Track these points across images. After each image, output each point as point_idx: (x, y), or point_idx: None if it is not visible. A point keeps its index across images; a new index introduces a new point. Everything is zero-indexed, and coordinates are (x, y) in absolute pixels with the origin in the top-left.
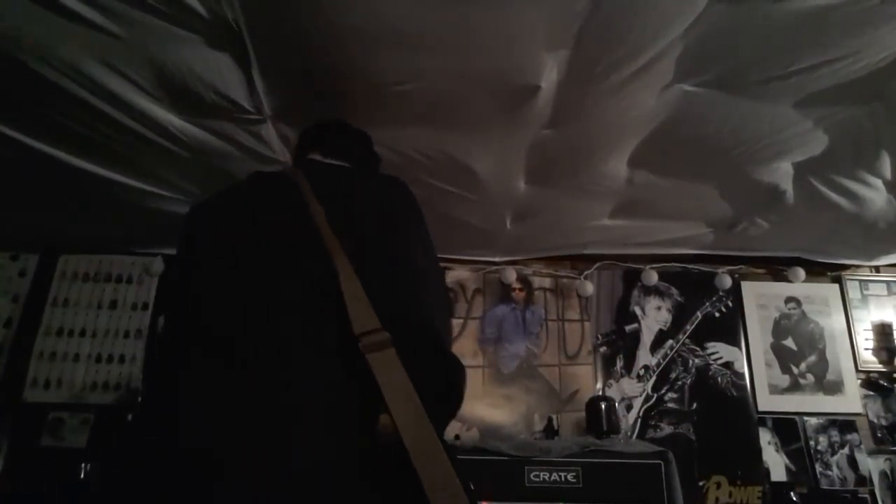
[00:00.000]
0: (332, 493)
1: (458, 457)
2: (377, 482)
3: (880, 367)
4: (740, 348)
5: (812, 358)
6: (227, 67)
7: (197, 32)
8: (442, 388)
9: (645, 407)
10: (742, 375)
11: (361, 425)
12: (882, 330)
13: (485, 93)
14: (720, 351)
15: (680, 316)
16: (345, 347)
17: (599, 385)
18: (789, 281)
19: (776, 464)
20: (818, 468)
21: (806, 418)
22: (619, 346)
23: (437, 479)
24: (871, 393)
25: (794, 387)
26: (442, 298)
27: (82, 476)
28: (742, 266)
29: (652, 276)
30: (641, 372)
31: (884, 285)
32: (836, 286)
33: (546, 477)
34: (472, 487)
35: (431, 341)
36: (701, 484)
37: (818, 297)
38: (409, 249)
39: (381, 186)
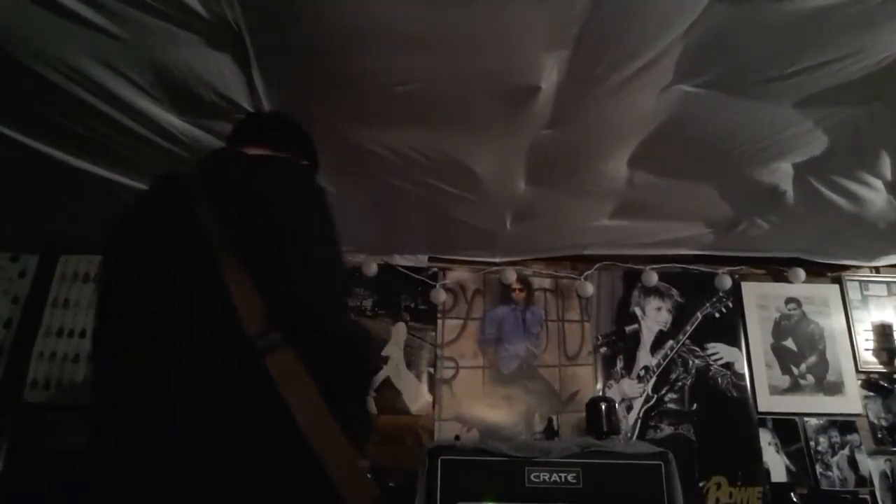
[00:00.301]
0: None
1: (459, 458)
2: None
3: (880, 368)
4: (740, 349)
5: (812, 358)
6: (228, 68)
7: (197, 33)
8: (345, 373)
9: (645, 408)
10: (742, 376)
11: None
12: (882, 330)
13: (485, 93)
14: (720, 351)
15: (680, 316)
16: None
17: (599, 386)
18: (789, 281)
19: (776, 464)
20: (818, 469)
21: (806, 419)
22: (619, 347)
23: (341, 468)
24: (872, 393)
25: (795, 387)
26: (339, 286)
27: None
28: (742, 267)
29: (652, 277)
30: (641, 373)
31: (884, 286)
32: (837, 287)
33: (546, 478)
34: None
35: (327, 334)
36: (701, 485)
37: (818, 298)
38: (304, 243)
39: (279, 177)
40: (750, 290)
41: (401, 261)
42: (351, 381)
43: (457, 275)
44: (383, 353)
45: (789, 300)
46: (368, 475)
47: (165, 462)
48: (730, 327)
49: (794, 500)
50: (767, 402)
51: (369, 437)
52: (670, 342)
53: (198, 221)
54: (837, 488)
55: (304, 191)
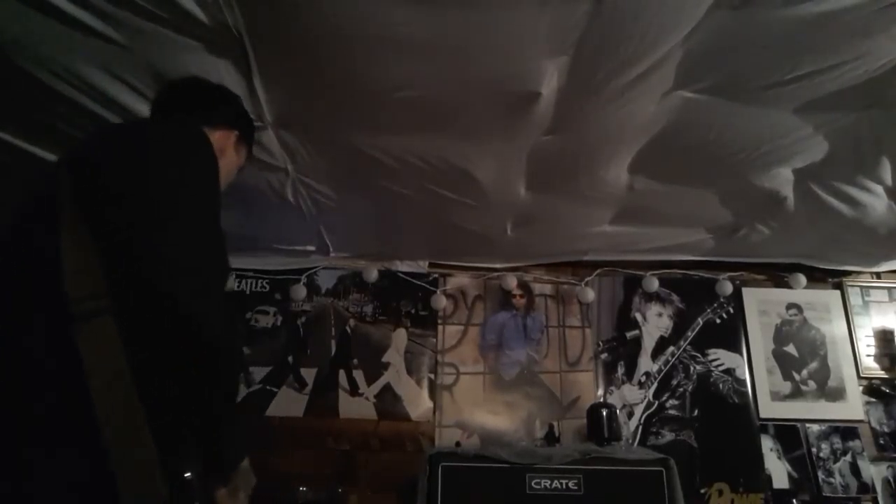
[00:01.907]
0: None
1: (460, 464)
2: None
3: (882, 374)
4: (741, 355)
5: (813, 364)
6: (228, 74)
7: (198, 39)
8: (176, 355)
9: (646, 414)
10: (743, 382)
11: None
12: (883, 336)
13: (485, 99)
14: (721, 357)
15: (681, 322)
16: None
17: (600, 392)
18: (790, 287)
19: (778, 471)
20: (820, 475)
21: (808, 425)
22: (620, 353)
23: (129, 458)
24: (873, 400)
25: (796, 393)
26: (195, 257)
27: None
28: (743, 272)
29: (653, 283)
30: (643, 379)
31: (885, 291)
32: (838, 292)
33: (547, 484)
34: (189, 475)
35: (160, 307)
36: (703, 491)
37: (819, 304)
38: (154, 206)
39: (144, 137)
40: (751, 295)
41: (401, 267)
42: (194, 381)
43: (457, 281)
44: (383, 360)
45: (790, 306)
46: (162, 480)
47: None
48: (731, 333)
49: None
50: (769, 409)
51: (235, 449)
52: (671, 348)
53: (52, 184)
54: (840, 495)
55: (179, 157)
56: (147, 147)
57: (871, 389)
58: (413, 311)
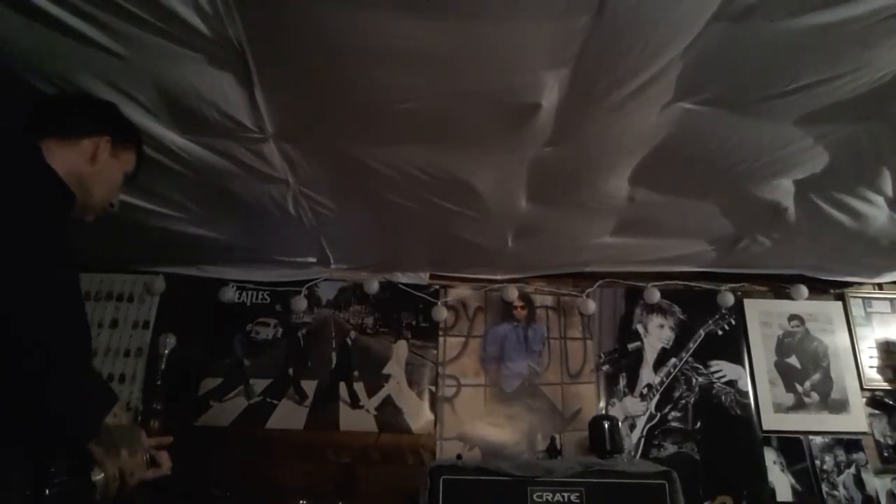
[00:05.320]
0: None
1: (461, 477)
2: None
3: (885, 386)
4: (744, 366)
5: (816, 376)
6: (230, 86)
7: (199, 51)
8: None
9: (648, 426)
10: (746, 394)
11: None
12: (886, 348)
13: (486, 111)
14: (723, 369)
15: (683, 334)
16: None
17: (602, 404)
18: (792, 298)
19: (782, 484)
20: (825, 488)
21: (811, 437)
22: (621, 365)
23: None
24: (877, 411)
25: (799, 405)
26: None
27: None
28: (745, 284)
29: (654, 294)
30: (644, 391)
31: (887, 303)
32: (840, 304)
33: (549, 497)
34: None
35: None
36: None
37: (821, 315)
38: None
39: None
40: (752, 307)
41: (402, 278)
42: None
43: (458, 292)
44: (384, 372)
45: (792, 317)
46: None
47: None
48: (733, 344)
49: None
50: (772, 421)
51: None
52: (673, 360)
53: None
54: None
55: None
56: None
57: (875, 401)
58: (414, 322)
